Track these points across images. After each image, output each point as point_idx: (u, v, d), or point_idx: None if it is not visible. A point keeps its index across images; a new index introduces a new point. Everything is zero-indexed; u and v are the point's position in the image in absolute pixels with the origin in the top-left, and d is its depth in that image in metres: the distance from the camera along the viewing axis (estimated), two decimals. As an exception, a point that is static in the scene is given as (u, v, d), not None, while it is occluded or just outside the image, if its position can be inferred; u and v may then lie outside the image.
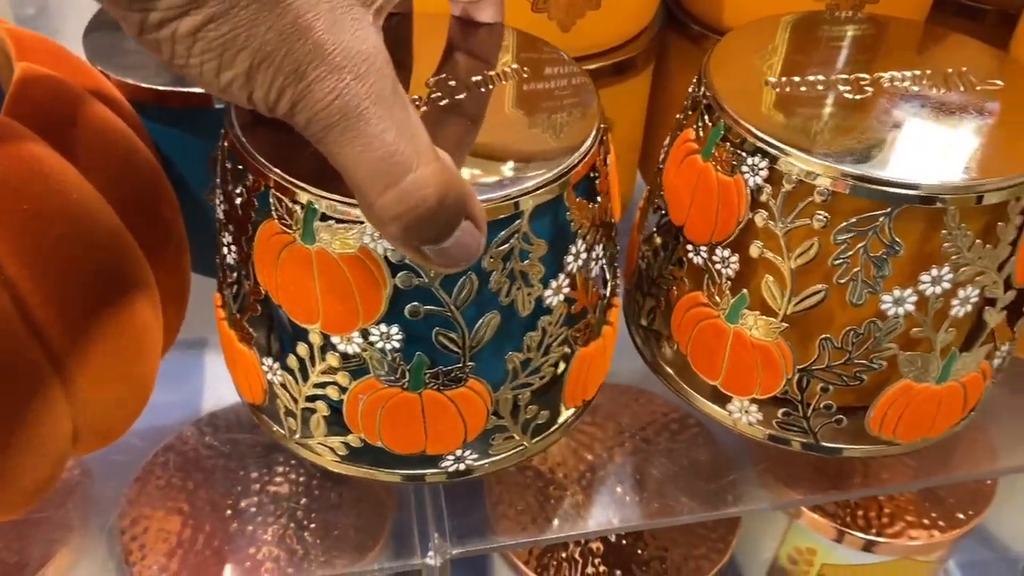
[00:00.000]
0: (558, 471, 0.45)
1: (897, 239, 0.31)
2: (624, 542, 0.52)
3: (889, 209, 0.30)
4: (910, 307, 0.32)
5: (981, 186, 0.30)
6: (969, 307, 0.32)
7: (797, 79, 0.35)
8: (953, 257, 0.31)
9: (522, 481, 0.45)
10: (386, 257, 0.29)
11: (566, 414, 0.37)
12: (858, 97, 0.34)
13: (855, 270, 0.32)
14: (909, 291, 0.32)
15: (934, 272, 0.31)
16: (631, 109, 0.45)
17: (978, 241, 0.31)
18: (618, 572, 0.50)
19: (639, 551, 0.51)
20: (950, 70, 0.36)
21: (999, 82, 0.35)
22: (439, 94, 0.32)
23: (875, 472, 0.43)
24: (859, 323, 0.33)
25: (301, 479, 0.43)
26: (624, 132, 0.46)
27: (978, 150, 0.32)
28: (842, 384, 0.34)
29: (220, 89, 0.24)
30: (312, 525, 0.41)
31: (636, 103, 0.45)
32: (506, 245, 0.30)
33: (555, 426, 0.37)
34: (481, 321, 0.31)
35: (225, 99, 0.25)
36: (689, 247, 0.36)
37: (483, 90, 0.33)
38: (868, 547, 0.48)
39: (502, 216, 0.29)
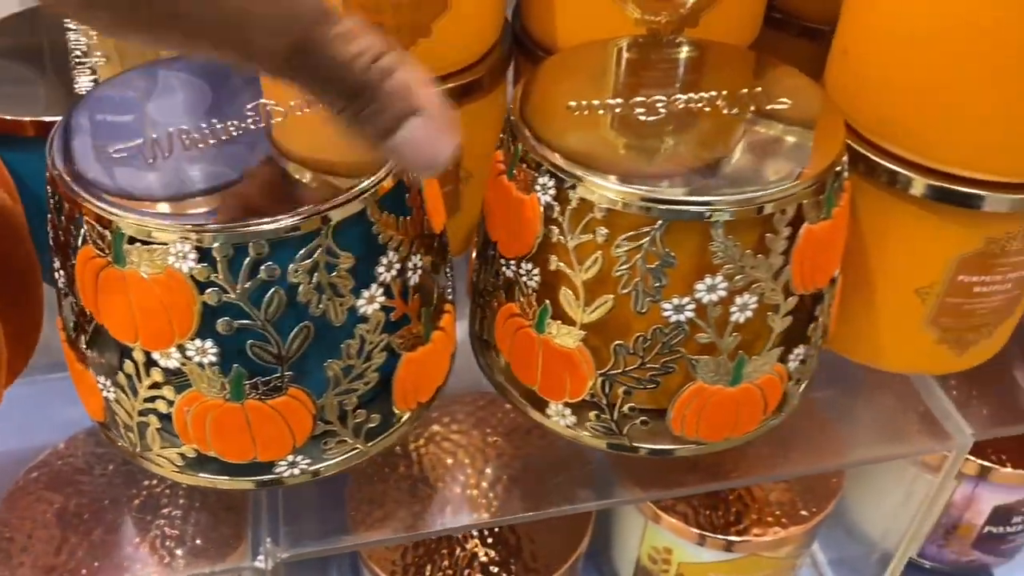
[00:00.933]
0: (405, 473, 0.48)
1: (670, 251, 0.33)
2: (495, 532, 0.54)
3: (659, 223, 0.33)
4: (691, 314, 0.34)
5: (743, 201, 0.32)
6: (749, 313, 0.35)
7: (597, 102, 0.37)
8: (725, 267, 0.33)
9: (365, 483, 0.47)
10: (192, 276, 0.31)
11: (401, 416, 0.39)
12: (651, 119, 0.36)
13: (636, 280, 0.34)
14: (687, 299, 0.34)
15: (708, 281, 0.34)
16: (483, 129, 0.47)
17: (748, 252, 0.33)
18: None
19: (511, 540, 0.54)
20: (745, 91, 0.38)
21: (787, 102, 0.38)
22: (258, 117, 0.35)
23: (715, 468, 0.46)
24: (646, 330, 0.35)
25: (158, 489, 0.45)
26: (480, 150, 0.49)
27: (747, 167, 0.34)
28: (641, 387, 0.36)
29: None
30: (170, 532, 0.43)
31: (487, 123, 0.47)
32: (311, 259, 0.32)
33: (391, 428, 0.39)
34: (294, 332, 0.33)
35: None
36: (502, 261, 0.38)
37: (307, 110, 0.35)
38: (726, 547, 0.50)
39: (305, 231, 0.31)
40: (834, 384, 0.50)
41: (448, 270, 0.41)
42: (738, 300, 0.34)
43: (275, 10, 0.23)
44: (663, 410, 0.38)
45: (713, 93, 0.38)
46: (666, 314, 0.34)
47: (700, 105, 0.37)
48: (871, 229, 0.42)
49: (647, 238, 0.33)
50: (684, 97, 0.38)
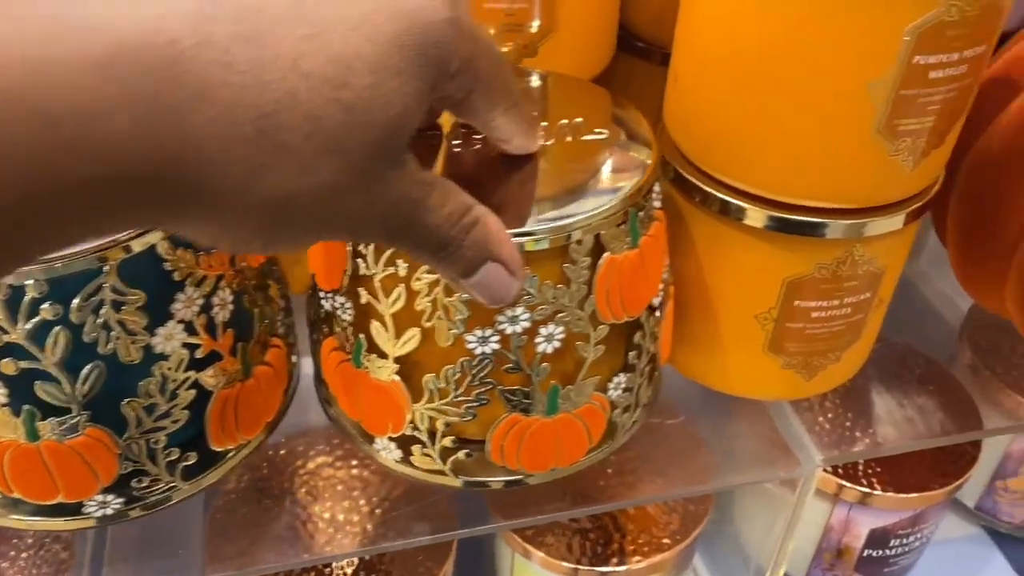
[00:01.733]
0: (268, 507, 0.47)
1: (465, 283, 0.33)
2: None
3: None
4: (496, 345, 0.34)
5: (536, 232, 0.32)
6: (557, 343, 0.35)
7: (429, 133, 0.37)
8: (525, 298, 0.33)
9: (226, 517, 0.46)
10: (-27, 317, 0.31)
11: (225, 453, 0.38)
12: (465, 150, 0.36)
13: (438, 313, 0.34)
14: (491, 331, 0.34)
15: (509, 313, 0.34)
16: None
17: (548, 282, 0.33)
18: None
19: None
20: (565, 121, 0.38)
21: (605, 132, 0.38)
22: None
23: (582, 495, 0.46)
24: (455, 362, 0.35)
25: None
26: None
27: (548, 198, 0.34)
28: (458, 419, 0.36)
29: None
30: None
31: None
32: (95, 297, 0.31)
33: (215, 465, 0.38)
34: (85, 372, 0.33)
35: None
36: (321, 294, 0.38)
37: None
38: None
39: (84, 269, 0.31)
40: (694, 408, 0.50)
41: (283, 302, 0.41)
42: (543, 331, 0.34)
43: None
44: (482, 441, 0.37)
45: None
46: (471, 346, 0.34)
47: (516, 136, 0.37)
48: (708, 257, 0.42)
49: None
50: (502, 128, 0.38)
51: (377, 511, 0.47)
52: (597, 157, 0.36)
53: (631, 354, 0.38)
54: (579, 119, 0.38)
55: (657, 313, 0.38)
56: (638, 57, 0.52)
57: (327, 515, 0.48)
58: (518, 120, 0.31)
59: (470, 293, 0.28)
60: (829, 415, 0.49)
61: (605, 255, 0.34)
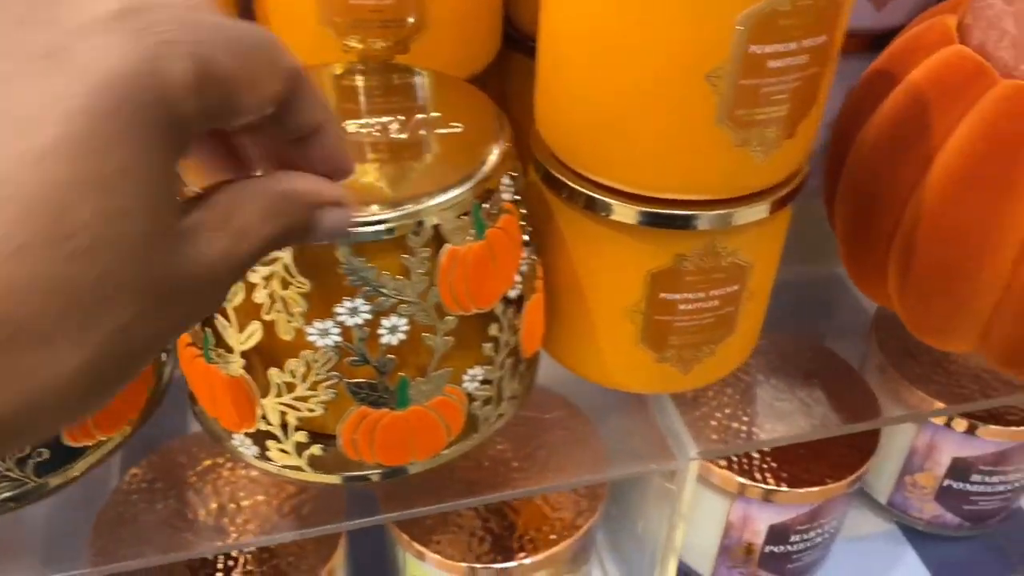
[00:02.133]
0: (163, 498, 0.47)
1: (300, 277, 0.33)
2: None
3: (286, 249, 0.33)
4: (337, 338, 0.34)
5: (367, 224, 0.32)
6: (402, 335, 0.35)
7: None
8: (364, 290, 0.33)
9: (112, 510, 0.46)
10: None
11: (84, 450, 0.39)
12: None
13: (276, 306, 0.34)
14: (331, 323, 0.34)
15: (348, 304, 0.34)
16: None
17: (386, 273, 0.33)
18: None
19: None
20: (421, 116, 0.38)
21: (459, 127, 0.38)
22: None
23: (459, 488, 0.46)
24: (297, 356, 0.35)
25: None
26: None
27: (382, 189, 0.34)
28: (308, 413, 0.36)
29: None
30: None
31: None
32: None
33: (72, 461, 0.38)
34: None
35: None
36: (175, 290, 0.38)
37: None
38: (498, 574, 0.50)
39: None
40: (583, 400, 0.50)
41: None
42: (385, 322, 0.34)
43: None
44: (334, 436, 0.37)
45: (388, 119, 0.38)
46: (312, 339, 0.34)
47: (370, 131, 0.37)
48: (576, 251, 0.42)
49: (279, 263, 0.33)
50: (358, 123, 0.38)
51: (264, 506, 0.47)
52: (446, 151, 0.37)
53: (487, 346, 0.38)
54: (436, 114, 0.39)
55: (515, 306, 0.38)
56: (526, 55, 0.52)
57: (214, 508, 0.47)
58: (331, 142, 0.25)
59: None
60: (716, 409, 0.49)
61: (446, 246, 0.34)
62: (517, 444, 0.50)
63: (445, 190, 0.34)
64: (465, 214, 0.34)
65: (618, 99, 0.37)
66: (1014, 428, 0.56)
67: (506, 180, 0.37)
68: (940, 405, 0.55)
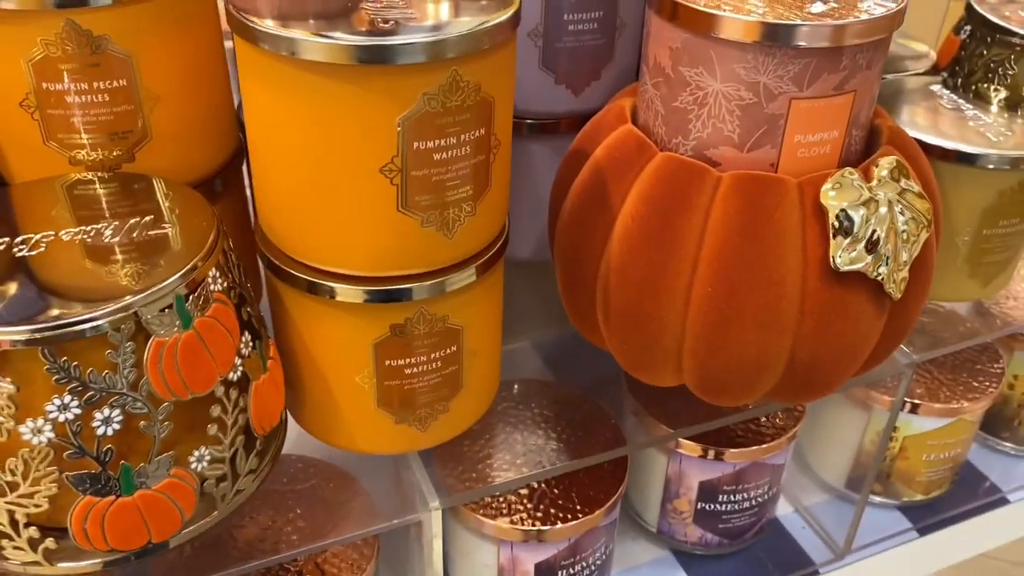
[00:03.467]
0: None
1: (5, 379, 0.35)
2: None
3: (-15, 354, 0.35)
4: (51, 434, 0.37)
5: (61, 325, 0.35)
6: (117, 425, 0.37)
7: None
8: (72, 386, 0.36)
9: None
10: None
11: None
12: (31, 253, 0.39)
13: (-14, 410, 0.36)
14: (43, 421, 0.36)
15: (57, 402, 0.36)
16: None
17: (92, 369, 0.36)
18: None
19: None
20: (136, 220, 0.42)
21: (170, 227, 0.41)
22: None
23: (228, 556, 0.48)
24: (15, 455, 0.37)
25: None
26: None
27: (86, 290, 0.37)
28: (34, 509, 0.38)
29: None
30: None
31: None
32: None
33: None
34: None
35: None
36: None
37: None
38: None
39: None
40: (349, 462, 0.54)
41: None
42: (98, 415, 0.37)
43: None
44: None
45: (103, 224, 0.41)
46: (26, 437, 0.36)
47: (84, 236, 0.40)
48: (307, 330, 0.46)
49: (-26, 369, 0.35)
50: (73, 231, 0.41)
51: None
52: (152, 250, 0.40)
53: (211, 427, 0.41)
54: (149, 217, 0.42)
55: (239, 387, 0.42)
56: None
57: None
58: None
59: None
60: (463, 458, 0.53)
61: (153, 339, 0.37)
62: (282, 511, 0.53)
63: (147, 287, 0.37)
64: (169, 307, 0.38)
65: (312, 193, 0.41)
66: (744, 449, 0.63)
67: (214, 272, 0.40)
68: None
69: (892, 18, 0.44)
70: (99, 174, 0.46)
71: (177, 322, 0.38)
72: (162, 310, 0.38)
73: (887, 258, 0.45)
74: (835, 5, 0.44)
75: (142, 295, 0.37)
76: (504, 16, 0.40)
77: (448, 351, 0.47)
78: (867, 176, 0.46)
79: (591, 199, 0.50)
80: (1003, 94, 0.65)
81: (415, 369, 0.47)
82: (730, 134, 0.46)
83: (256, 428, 0.44)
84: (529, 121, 0.59)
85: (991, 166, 0.58)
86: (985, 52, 0.69)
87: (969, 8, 0.69)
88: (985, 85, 0.67)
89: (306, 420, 0.50)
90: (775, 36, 0.42)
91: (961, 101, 0.66)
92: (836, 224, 0.45)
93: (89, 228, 0.41)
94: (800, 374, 0.49)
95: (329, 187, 0.41)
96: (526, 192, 0.61)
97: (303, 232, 0.43)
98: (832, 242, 0.45)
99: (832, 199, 0.45)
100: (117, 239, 0.40)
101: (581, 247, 0.51)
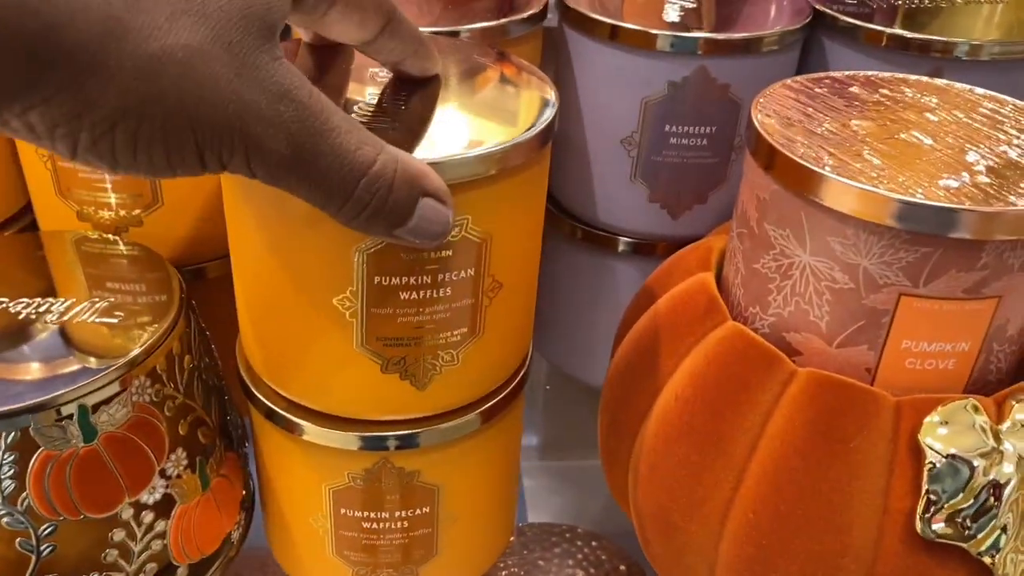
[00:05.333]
0: None
1: None
2: None
3: None
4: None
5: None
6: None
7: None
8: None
9: None
10: None
11: None
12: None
13: None
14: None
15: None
16: None
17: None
18: None
19: None
20: (85, 304, 0.37)
21: (114, 320, 0.37)
22: None
23: None
24: None
25: None
26: None
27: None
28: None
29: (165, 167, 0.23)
30: None
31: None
32: None
33: None
34: None
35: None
36: None
37: None
38: None
39: None
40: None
41: None
42: (-31, 527, 0.33)
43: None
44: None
45: (49, 301, 0.37)
46: None
47: (23, 311, 0.37)
48: (268, 456, 0.40)
49: None
50: (22, 301, 0.37)
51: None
52: (82, 343, 0.35)
53: (110, 552, 0.35)
54: (105, 301, 0.38)
55: (155, 510, 0.36)
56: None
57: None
58: (405, 36, 0.31)
59: (398, 243, 0.27)
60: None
61: (40, 451, 0.33)
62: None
63: (43, 393, 0.32)
64: (68, 417, 0.33)
65: (281, 325, 0.35)
66: None
67: (142, 380, 0.35)
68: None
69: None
70: (89, 234, 0.42)
71: (77, 435, 0.33)
72: (59, 420, 0.33)
73: (1002, 536, 0.32)
74: (987, 180, 0.32)
75: (33, 401, 0.32)
76: (509, 141, 0.32)
77: (418, 512, 0.39)
78: (1000, 414, 0.33)
79: (642, 357, 0.41)
80: None
81: (375, 525, 0.39)
82: (816, 320, 0.35)
83: (176, 556, 0.38)
84: (624, 239, 0.50)
85: None
86: None
87: None
88: None
89: (275, 547, 0.44)
90: (882, 212, 0.31)
91: None
92: (932, 474, 0.32)
93: (35, 301, 0.37)
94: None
95: (294, 319, 0.34)
96: (606, 315, 0.52)
97: (266, 352, 0.37)
98: (922, 499, 0.32)
99: (935, 437, 0.32)
100: (53, 321, 0.36)
101: (620, 411, 0.42)
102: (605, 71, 0.46)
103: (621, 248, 0.51)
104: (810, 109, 0.36)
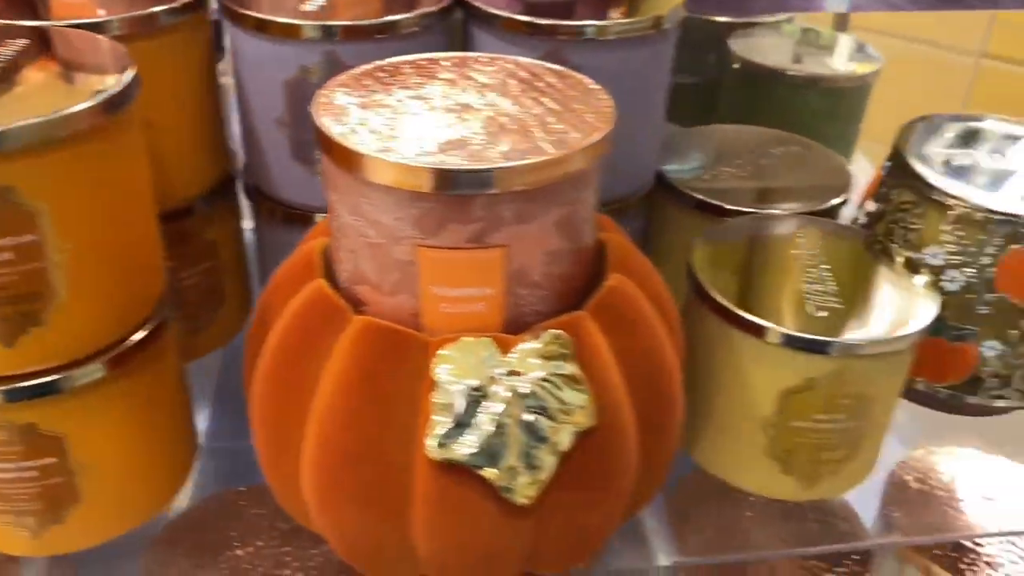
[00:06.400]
0: None
1: None
2: None
3: None
4: None
5: None
6: None
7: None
8: None
9: None
10: None
11: None
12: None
13: None
14: None
15: None
16: None
17: None
18: None
19: None
20: None
21: None
22: None
23: None
24: None
25: None
26: None
27: None
28: None
29: None
30: None
31: None
32: None
33: None
34: None
35: None
36: None
37: None
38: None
39: None
40: None
41: None
42: None
43: None
44: None
45: None
46: None
47: None
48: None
49: None
50: None
51: None
52: None
53: None
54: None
55: None
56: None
57: None
58: None
59: None
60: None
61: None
62: None
63: None
64: None
65: None
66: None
67: None
68: None
69: (553, 165, 0.36)
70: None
71: None
72: None
73: (498, 457, 0.36)
74: (481, 139, 0.36)
75: None
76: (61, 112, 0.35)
77: (44, 461, 0.43)
78: (506, 348, 0.38)
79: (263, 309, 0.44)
80: (904, 256, 0.53)
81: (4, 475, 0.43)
82: (369, 273, 0.39)
83: None
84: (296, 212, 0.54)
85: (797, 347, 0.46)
86: (894, 196, 0.57)
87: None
88: (891, 241, 0.55)
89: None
90: (385, 176, 0.35)
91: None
92: (436, 401, 0.36)
93: None
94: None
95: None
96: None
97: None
98: (431, 424, 0.37)
99: (442, 368, 0.37)
100: None
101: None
102: (254, 58, 0.50)
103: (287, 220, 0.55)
104: (355, 93, 0.40)
